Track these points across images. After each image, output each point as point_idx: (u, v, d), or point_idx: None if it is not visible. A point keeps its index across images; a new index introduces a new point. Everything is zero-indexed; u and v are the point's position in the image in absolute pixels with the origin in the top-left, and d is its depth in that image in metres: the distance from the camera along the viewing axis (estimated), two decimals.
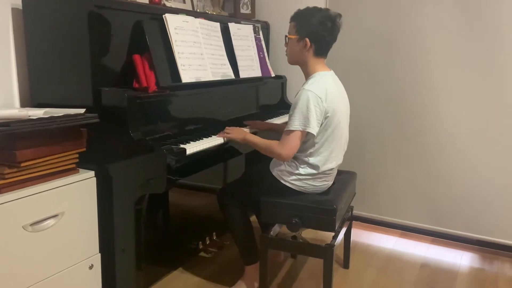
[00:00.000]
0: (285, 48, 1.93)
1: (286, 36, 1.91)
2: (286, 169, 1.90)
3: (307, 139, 1.83)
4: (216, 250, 2.38)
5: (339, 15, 1.85)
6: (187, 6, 2.62)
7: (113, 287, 1.81)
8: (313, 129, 1.77)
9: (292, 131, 1.78)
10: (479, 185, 2.56)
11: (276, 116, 2.55)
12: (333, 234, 1.91)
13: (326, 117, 1.80)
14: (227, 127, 2.01)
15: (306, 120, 1.76)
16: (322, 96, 1.77)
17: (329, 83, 1.84)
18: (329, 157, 1.87)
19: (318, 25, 1.80)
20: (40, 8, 1.79)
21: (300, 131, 1.77)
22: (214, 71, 2.16)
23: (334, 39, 1.87)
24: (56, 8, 1.75)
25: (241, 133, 1.97)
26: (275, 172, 1.92)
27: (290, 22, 1.89)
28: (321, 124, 1.80)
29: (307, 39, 1.82)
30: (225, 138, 1.97)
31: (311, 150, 1.85)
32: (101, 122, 1.62)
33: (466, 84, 2.52)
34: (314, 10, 1.84)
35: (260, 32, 2.73)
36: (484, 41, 2.44)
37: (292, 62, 1.94)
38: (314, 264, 2.38)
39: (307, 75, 1.90)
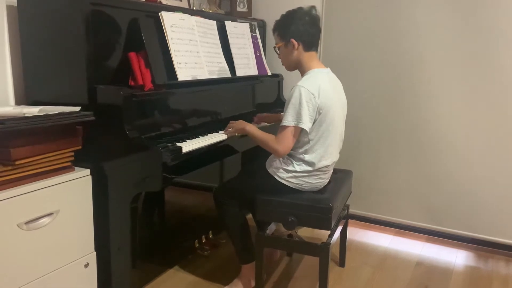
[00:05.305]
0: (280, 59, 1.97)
1: (274, 47, 1.96)
2: (281, 166, 1.90)
3: (301, 136, 1.84)
4: (212, 249, 2.38)
5: (313, 7, 1.90)
6: (184, 4, 2.61)
7: (108, 286, 1.81)
8: (305, 124, 1.78)
9: (286, 126, 1.79)
10: (474, 183, 2.57)
11: None
12: (329, 232, 1.92)
13: (319, 113, 1.80)
14: (231, 121, 2.03)
15: (299, 115, 1.77)
16: (314, 92, 1.78)
17: (324, 80, 1.85)
18: (325, 154, 1.87)
19: (297, 23, 1.85)
20: (35, 5, 1.77)
21: (293, 126, 1.78)
22: (210, 69, 2.16)
23: (317, 29, 1.90)
24: (52, 5, 1.74)
25: (242, 124, 1.99)
26: (271, 170, 1.93)
27: (273, 34, 1.95)
28: (315, 121, 1.81)
29: (292, 40, 1.86)
30: (228, 134, 2.01)
31: (306, 147, 1.85)
32: (97, 120, 1.62)
33: (462, 83, 2.53)
34: (289, 13, 1.90)
35: (257, 31, 2.72)
36: (479, 39, 2.44)
37: (289, 68, 1.97)
38: (310, 263, 2.39)
39: (303, 73, 1.91)
